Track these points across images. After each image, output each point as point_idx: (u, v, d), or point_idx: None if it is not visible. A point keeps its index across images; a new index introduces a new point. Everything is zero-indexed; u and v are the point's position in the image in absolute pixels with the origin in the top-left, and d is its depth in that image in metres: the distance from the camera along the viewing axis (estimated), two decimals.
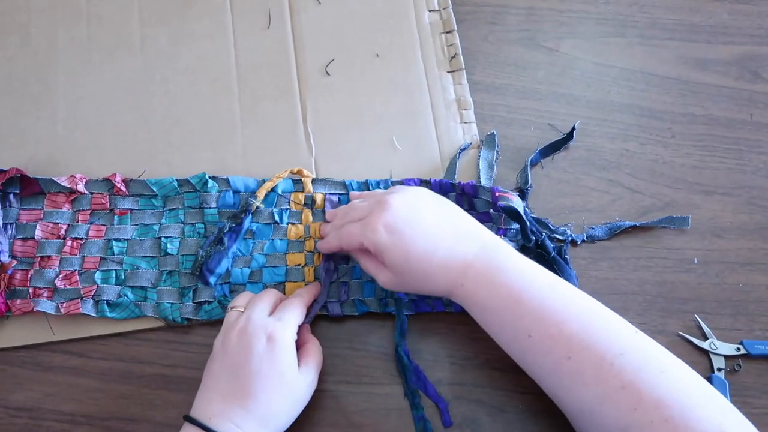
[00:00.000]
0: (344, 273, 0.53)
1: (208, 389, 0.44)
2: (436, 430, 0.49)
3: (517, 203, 0.51)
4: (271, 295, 0.49)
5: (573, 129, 0.59)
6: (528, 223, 0.52)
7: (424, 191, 0.49)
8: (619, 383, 0.40)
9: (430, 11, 0.63)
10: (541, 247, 0.52)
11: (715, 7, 0.67)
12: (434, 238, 0.46)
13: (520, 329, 0.43)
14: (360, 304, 0.52)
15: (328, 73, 0.60)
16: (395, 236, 0.45)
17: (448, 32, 0.63)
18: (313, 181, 0.55)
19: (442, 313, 0.53)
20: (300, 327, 0.48)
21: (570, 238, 0.55)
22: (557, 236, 0.55)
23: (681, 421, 0.38)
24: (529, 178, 0.57)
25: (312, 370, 0.47)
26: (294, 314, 0.47)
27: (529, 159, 0.58)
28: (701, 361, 0.52)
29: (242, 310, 0.47)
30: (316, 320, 0.52)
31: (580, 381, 0.41)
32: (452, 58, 0.62)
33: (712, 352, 0.52)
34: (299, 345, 0.47)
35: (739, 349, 0.52)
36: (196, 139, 0.57)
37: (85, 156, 0.56)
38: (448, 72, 0.61)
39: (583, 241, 0.56)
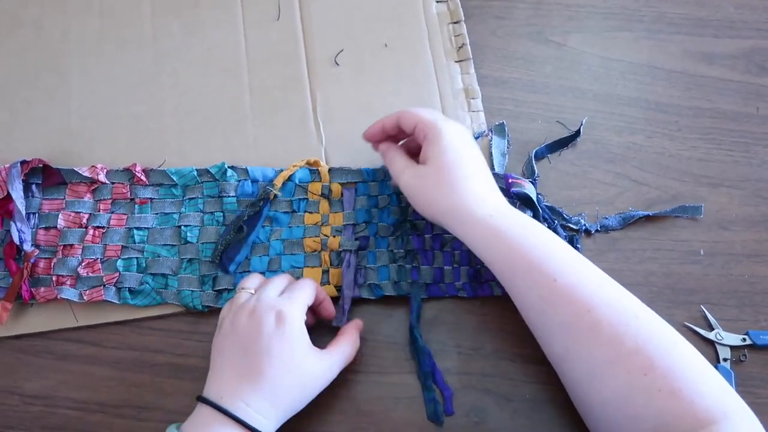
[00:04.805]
0: (361, 258, 0.53)
1: (218, 369, 0.44)
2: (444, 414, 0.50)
3: (530, 189, 0.52)
4: (281, 279, 0.49)
5: (581, 126, 0.60)
6: (540, 210, 0.53)
7: None
8: (634, 345, 0.40)
9: (437, 2, 0.64)
10: None
11: (721, 2, 0.67)
12: (483, 170, 0.49)
13: (546, 273, 0.43)
14: (376, 289, 0.53)
15: (337, 64, 0.61)
16: (462, 138, 0.48)
17: (455, 23, 0.63)
18: (330, 170, 0.56)
19: (450, 304, 0.53)
20: (347, 323, 0.50)
21: (584, 228, 0.56)
22: (571, 226, 0.56)
23: (687, 395, 0.38)
24: (535, 169, 0.57)
25: (332, 357, 0.47)
26: (303, 293, 0.47)
27: (533, 151, 0.58)
28: (707, 351, 0.53)
29: (252, 291, 0.47)
30: None
31: (595, 338, 0.41)
32: (460, 48, 0.62)
33: (718, 343, 0.52)
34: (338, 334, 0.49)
35: (744, 339, 0.53)
36: (207, 130, 0.58)
37: (97, 146, 0.57)
38: (456, 62, 0.62)
39: (597, 230, 0.56)
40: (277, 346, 0.43)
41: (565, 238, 0.53)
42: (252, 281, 0.49)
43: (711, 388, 0.39)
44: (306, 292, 0.47)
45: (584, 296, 0.42)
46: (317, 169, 0.56)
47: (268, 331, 0.44)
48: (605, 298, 0.42)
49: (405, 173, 0.49)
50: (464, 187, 0.47)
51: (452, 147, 0.47)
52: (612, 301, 0.42)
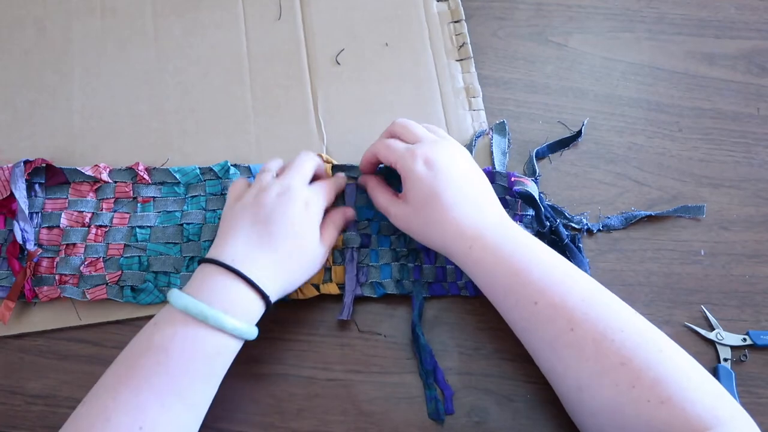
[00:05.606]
0: (364, 256, 0.54)
1: (231, 236, 0.45)
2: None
3: (532, 188, 0.52)
4: (308, 168, 0.50)
5: (582, 126, 0.60)
6: (542, 209, 0.53)
7: (469, 155, 0.51)
8: (619, 359, 0.40)
9: (438, 1, 0.64)
10: (555, 233, 0.53)
11: (723, 2, 0.67)
12: (462, 195, 0.47)
13: (525, 296, 0.44)
14: (378, 287, 0.53)
15: (338, 63, 0.61)
16: (431, 172, 0.47)
17: (456, 22, 0.63)
18: (333, 167, 0.56)
19: (451, 303, 0.53)
20: (333, 210, 0.52)
21: (586, 227, 0.56)
22: (573, 225, 0.56)
23: (677, 403, 0.38)
24: (536, 168, 0.57)
25: (326, 245, 0.49)
26: (327, 191, 0.50)
27: (534, 150, 0.58)
28: (708, 351, 0.53)
29: (274, 174, 0.50)
30: (327, 309, 0.53)
31: (579, 355, 0.41)
32: (460, 47, 0.62)
33: (719, 343, 0.53)
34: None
35: (745, 339, 0.53)
36: (209, 128, 0.58)
37: (100, 145, 0.57)
38: (457, 60, 0.62)
39: (599, 230, 0.56)
40: (298, 228, 0.46)
41: (567, 237, 0.53)
42: (275, 163, 0.51)
43: (703, 394, 0.39)
44: (330, 190, 0.51)
45: (566, 315, 0.42)
46: None
47: (294, 213, 0.46)
48: (588, 313, 0.42)
49: (390, 211, 0.50)
50: (443, 223, 0.47)
51: (424, 184, 0.47)
52: (596, 315, 0.42)
